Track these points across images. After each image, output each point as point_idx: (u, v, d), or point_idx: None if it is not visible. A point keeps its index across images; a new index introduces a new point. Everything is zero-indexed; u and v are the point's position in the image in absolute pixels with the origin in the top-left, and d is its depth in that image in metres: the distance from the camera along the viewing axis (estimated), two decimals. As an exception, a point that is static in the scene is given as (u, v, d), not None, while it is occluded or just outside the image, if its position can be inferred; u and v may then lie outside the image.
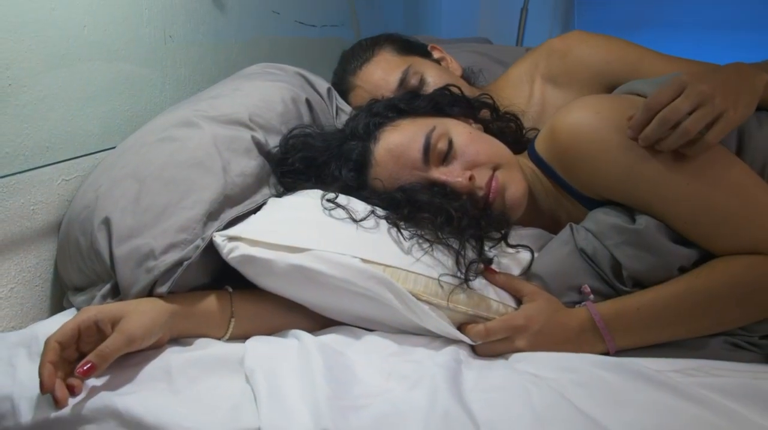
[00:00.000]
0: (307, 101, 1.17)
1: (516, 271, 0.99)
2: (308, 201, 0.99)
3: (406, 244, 0.94)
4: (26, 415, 0.77)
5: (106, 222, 0.93)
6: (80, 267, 0.98)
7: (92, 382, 0.80)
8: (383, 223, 0.96)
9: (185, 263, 0.89)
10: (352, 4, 2.34)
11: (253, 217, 0.97)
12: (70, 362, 0.80)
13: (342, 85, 1.32)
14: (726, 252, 0.91)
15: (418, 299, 0.91)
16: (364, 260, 0.90)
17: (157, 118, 1.13)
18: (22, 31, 1.02)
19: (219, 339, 0.91)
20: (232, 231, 0.92)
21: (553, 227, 1.08)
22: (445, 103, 1.10)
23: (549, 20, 3.49)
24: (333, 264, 0.89)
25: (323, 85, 1.26)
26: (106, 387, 0.80)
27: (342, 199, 0.99)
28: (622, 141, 0.95)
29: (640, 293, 0.93)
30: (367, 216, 0.96)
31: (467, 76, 1.39)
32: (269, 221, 0.95)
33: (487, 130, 1.15)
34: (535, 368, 0.87)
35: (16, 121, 1.02)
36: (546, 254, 1.01)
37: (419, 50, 1.34)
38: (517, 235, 1.05)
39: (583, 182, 1.02)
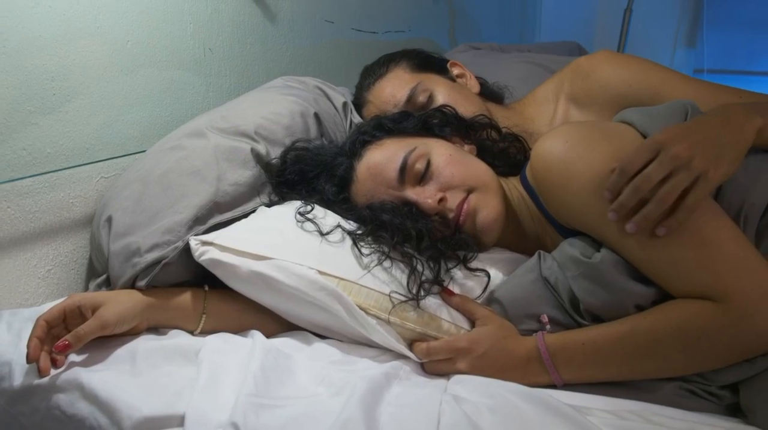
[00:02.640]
0: (316, 115, 1.29)
1: (478, 293, 1.06)
2: (287, 212, 1.11)
3: (366, 259, 1.04)
4: (18, 379, 0.97)
5: (109, 220, 1.12)
6: (96, 257, 1.18)
7: (73, 357, 0.99)
8: (349, 238, 1.06)
9: (163, 261, 1.05)
10: (450, 5, 2.43)
11: (235, 224, 1.11)
12: (59, 338, 0.99)
13: (358, 99, 1.42)
14: (680, 294, 0.92)
15: (367, 312, 1.00)
16: (320, 272, 1.01)
17: (180, 127, 1.30)
18: (67, 47, 1.23)
19: (191, 332, 1.06)
20: (208, 236, 1.06)
21: (540, 252, 1.13)
22: (435, 124, 1.18)
23: (676, 18, 3.37)
24: (289, 273, 1.01)
25: (340, 99, 1.38)
26: (81, 364, 0.97)
27: (320, 212, 1.11)
28: (583, 172, 0.98)
29: (589, 329, 0.97)
30: (332, 230, 1.06)
31: (490, 93, 1.44)
32: (245, 228, 1.09)
33: (486, 150, 1.21)
34: (466, 391, 0.94)
35: (59, 126, 1.24)
36: (511, 280, 1.07)
37: (435, 67, 1.41)
38: (492, 259, 1.11)
39: (554, 210, 1.06)
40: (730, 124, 0.93)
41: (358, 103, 1.42)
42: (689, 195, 0.88)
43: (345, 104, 1.38)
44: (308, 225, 1.08)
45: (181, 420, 0.88)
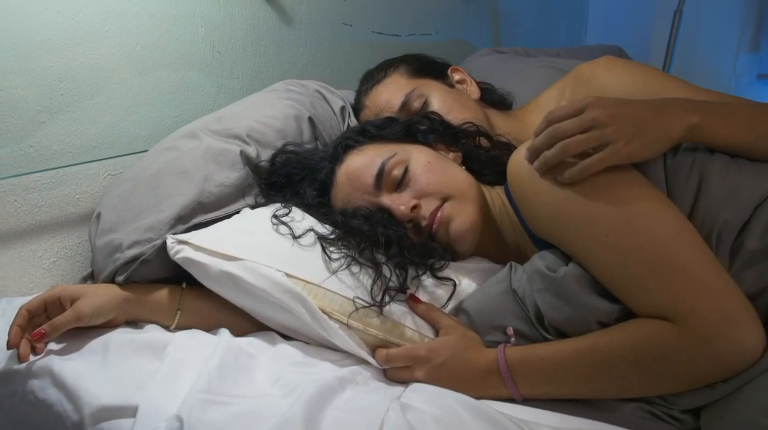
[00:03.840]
0: (310, 119, 1.32)
1: (445, 301, 1.06)
2: (267, 214, 1.15)
3: (334, 264, 1.06)
4: (1, 363, 1.04)
5: (98, 216, 1.18)
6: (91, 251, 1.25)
7: (51, 346, 1.05)
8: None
9: (141, 258, 1.10)
10: (493, 7, 2.43)
11: (215, 224, 1.15)
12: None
13: (356, 104, 1.45)
14: (641, 312, 0.90)
15: (330, 316, 1.02)
16: (288, 274, 1.04)
17: (180, 128, 1.36)
18: (76, 50, 1.31)
19: (168, 328, 1.11)
20: (184, 235, 1.11)
21: (522, 263, 1.12)
22: (419, 130, 1.19)
23: (738, 23, 3.25)
24: (256, 274, 1.04)
25: (338, 103, 1.41)
26: (57, 352, 1.04)
27: (298, 215, 1.14)
28: (553, 185, 0.97)
29: (551, 344, 0.96)
30: (304, 234, 1.09)
31: (493, 99, 1.43)
32: (222, 229, 1.13)
33: (473, 158, 1.21)
34: (419, 400, 0.94)
35: (66, 125, 1.32)
36: (480, 290, 1.07)
37: (435, 72, 1.42)
38: (466, 268, 1.12)
39: (527, 220, 1.05)
40: (660, 112, 0.95)
41: (357, 108, 1.44)
42: (590, 157, 0.92)
43: (343, 108, 1.41)
44: (283, 228, 1.11)
45: (135, 411, 0.93)
